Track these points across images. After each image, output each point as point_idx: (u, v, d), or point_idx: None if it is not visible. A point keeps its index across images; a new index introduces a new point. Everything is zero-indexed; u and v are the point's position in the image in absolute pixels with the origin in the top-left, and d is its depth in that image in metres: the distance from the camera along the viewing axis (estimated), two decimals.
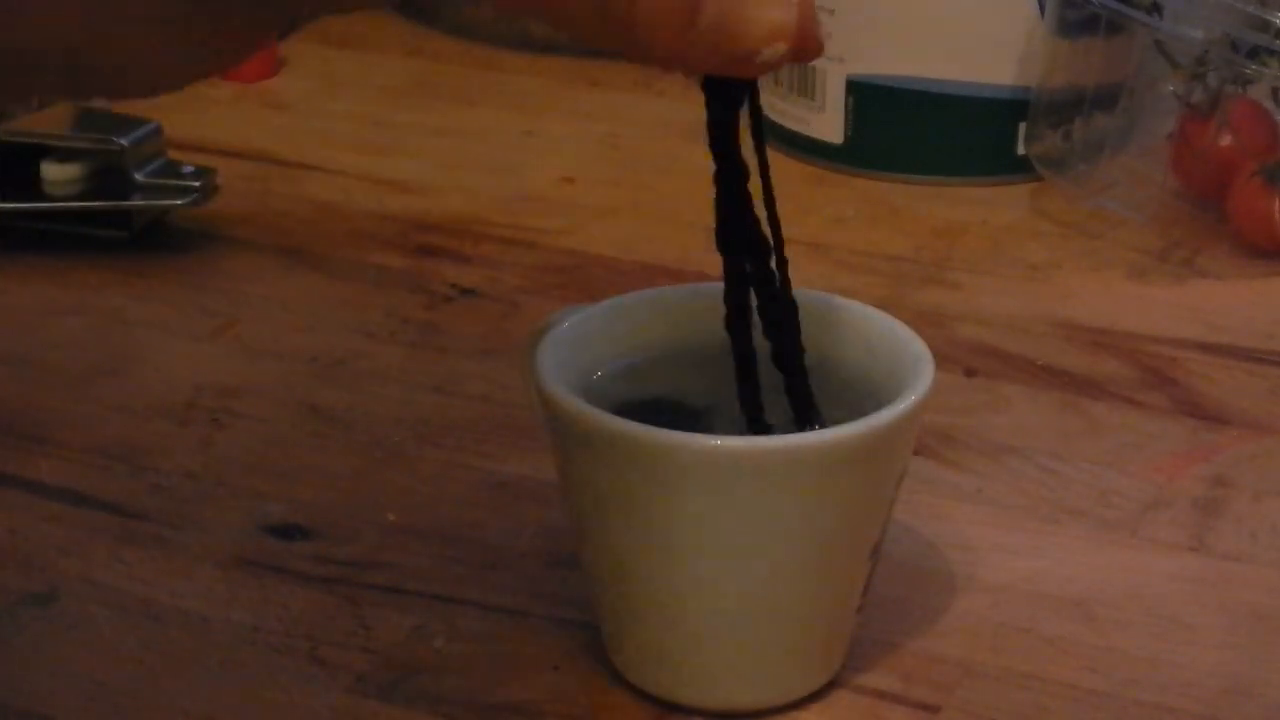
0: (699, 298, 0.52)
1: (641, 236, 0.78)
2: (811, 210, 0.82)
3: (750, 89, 0.46)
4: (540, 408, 0.50)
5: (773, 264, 0.49)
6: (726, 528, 0.47)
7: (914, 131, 0.85)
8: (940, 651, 0.53)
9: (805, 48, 0.40)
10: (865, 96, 0.85)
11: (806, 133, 0.86)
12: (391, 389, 0.67)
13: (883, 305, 0.53)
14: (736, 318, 0.49)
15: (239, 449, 0.63)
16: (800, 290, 0.53)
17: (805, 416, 0.49)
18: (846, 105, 0.85)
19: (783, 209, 0.85)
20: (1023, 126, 0.84)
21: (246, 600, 0.55)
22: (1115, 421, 0.65)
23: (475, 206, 0.82)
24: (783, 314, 0.49)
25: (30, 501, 0.60)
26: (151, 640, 0.53)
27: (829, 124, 0.86)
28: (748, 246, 0.48)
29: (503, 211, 0.82)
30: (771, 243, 0.48)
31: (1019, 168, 0.84)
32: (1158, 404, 0.66)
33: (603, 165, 0.86)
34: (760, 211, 0.48)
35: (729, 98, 0.46)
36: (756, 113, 0.47)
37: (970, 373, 0.68)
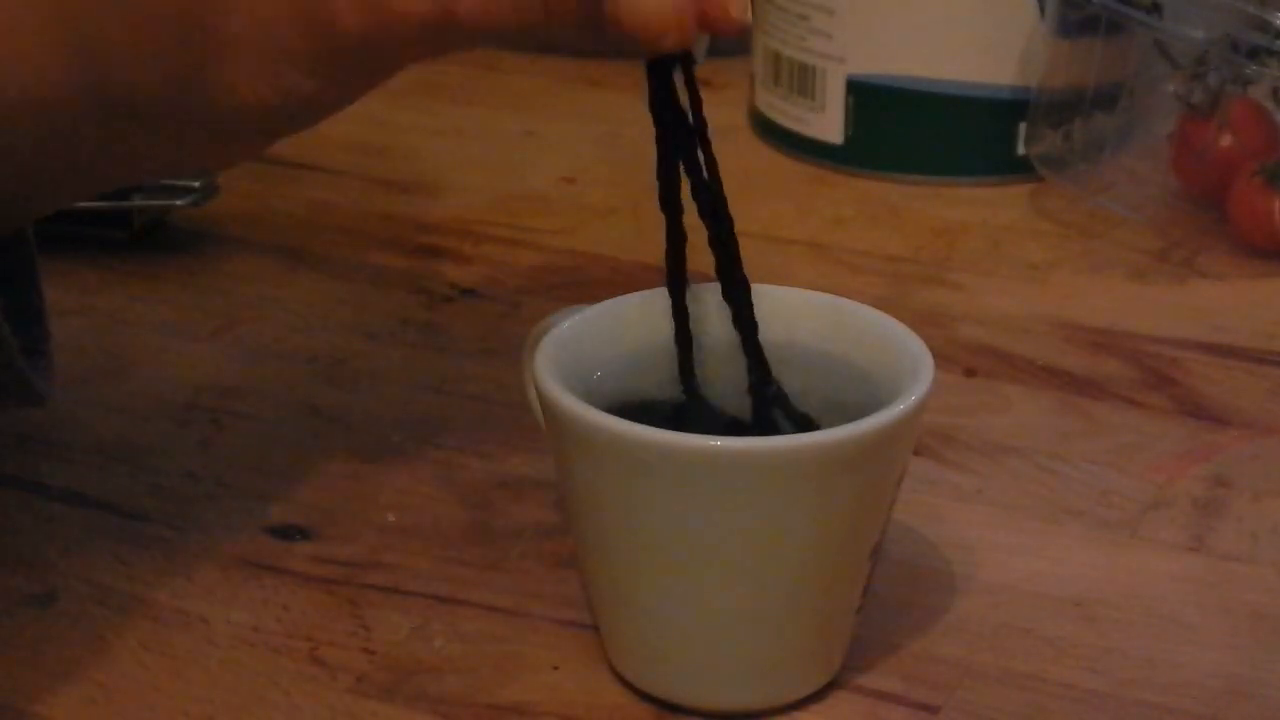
0: (699, 298, 0.52)
1: (641, 236, 0.78)
2: (811, 210, 0.82)
3: (685, 57, 0.49)
4: (540, 408, 0.50)
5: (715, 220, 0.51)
6: (726, 528, 0.47)
7: (914, 131, 0.85)
8: (940, 651, 0.53)
9: (712, 28, 0.45)
10: (865, 96, 0.85)
11: (806, 133, 0.86)
12: (391, 389, 0.67)
13: (883, 305, 0.53)
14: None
15: (239, 449, 0.63)
16: (800, 290, 0.54)
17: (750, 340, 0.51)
18: (846, 105, 0.85)
19: (783, 209, 0.85)
20: (1023, 126, 0.84)
21: (246, 600, 0.55)
22: (1115, 421, 0.65)
23: (475, 206, 0.82)
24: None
25: (30, 501, 0.60)
26: (151, 640, 0.53)
27: (829, 124, 0.86)
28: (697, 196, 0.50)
29: (503, 211, 0.82)
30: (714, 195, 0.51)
31: (1019, 168, 0.84)
32: (1158, 404, 0.66)
33: (603, 165, 0.86)
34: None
35: (664, 65, 0.49)
36: (690, 78, 0.49)
37: (970, 373, 0.68)
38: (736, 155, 0.86)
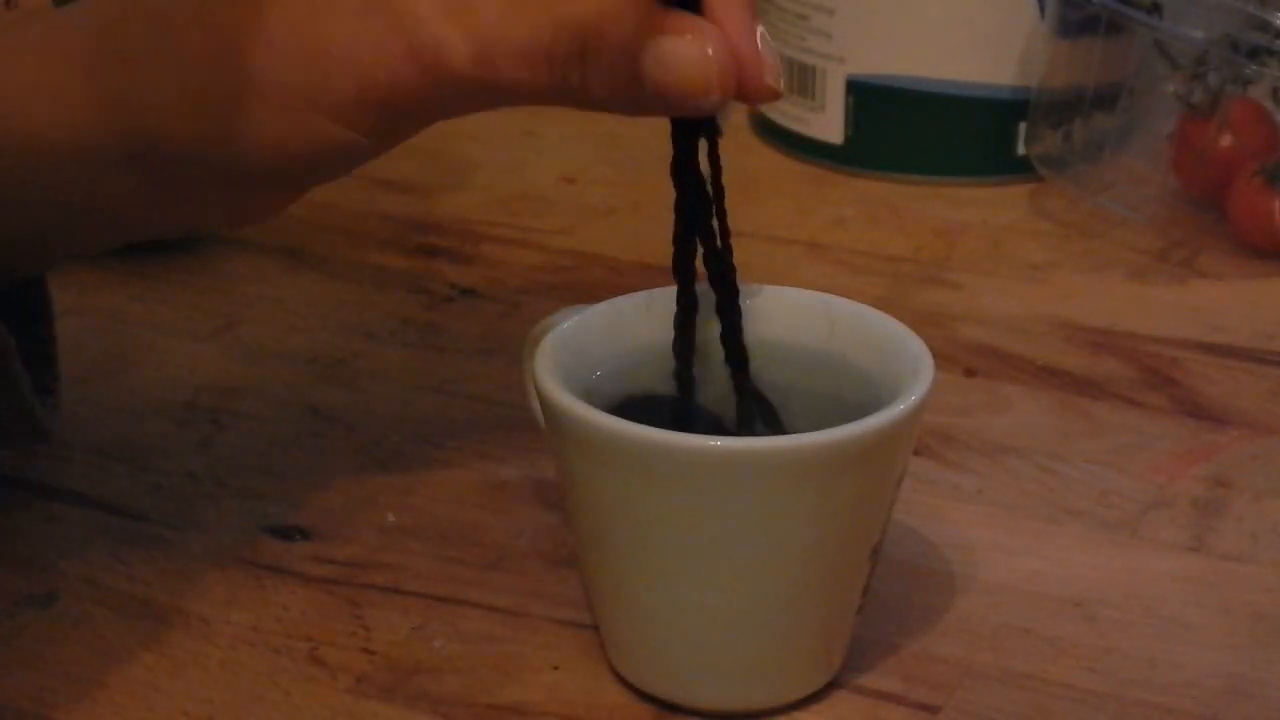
0: (699, 298, 0.52)
1: (641, 236, 0.78)
2: (811, 210, 0.82)
3: (710, 123, 0.49)
4: (540, 407, 0.50)
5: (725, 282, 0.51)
6: (725, 528, 0.47)
7: (914, 131, 0.85)
8: (940, 651, 0.53)
9: (747, 93, 0.46)
10: (865, 96, 0.85)
11: (806, 133, 0.86)
12: (391, 389, 0.67)
13: (883, 305, 0.53)
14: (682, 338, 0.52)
15: (239, 449, 0.63)
16: (800, 290, 0.54)
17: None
18: (846, 105, 0.85)
19: (783, 209, 0.85)
20: (1023, 126, 0.84)
21: (246, 600, 0.55)
22: (1115, 421, 0.65)
23: (475, 206, 0.82)
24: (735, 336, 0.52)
25: (30, 501, 0.60)
26: (151, 640, 0.53)
27: (829, 124, 0.86)
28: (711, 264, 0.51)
29: (503, 211, 0.82)
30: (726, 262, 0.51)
31: (1019, 168, 0.84)
32: (1158, 404, 0.66)
33: (603, 165, 0.86)
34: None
35: (690, 130, 0.49)
36: (713, 146, 0.50)
37: (970, 373, 0.68)
38: (736, 155, 0.85)
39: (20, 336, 0.57)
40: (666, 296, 0.52)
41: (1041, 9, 0.82)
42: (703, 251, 0.50)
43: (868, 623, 0.52)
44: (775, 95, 0.46)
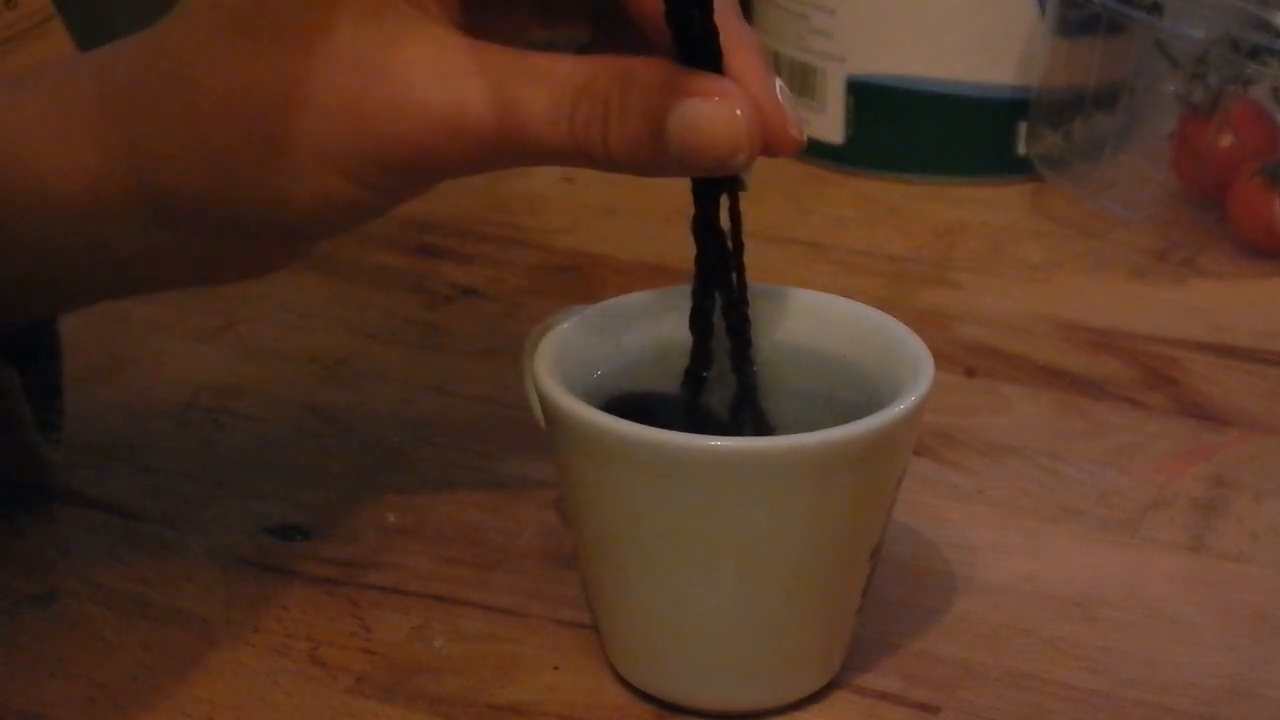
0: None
1: (641, 236, 0.78)
2: (811, 210, 0.82)
3: (731, 179, 0.49)
4: (540, 408, 0.50)
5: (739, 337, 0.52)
6: (725, 528, 0.47)
7: (914, 131, 0.85)
8: (940, 651, 0.53)
9: (773, 148, 0.46)
10: (865, 96, 0.85)
11: (806, 133, 0.86)
12: (391, 389, 0.67)
13: (883, 305, 0.53)
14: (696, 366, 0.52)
15: (239, 449, 0.63)
16: (800, 290, 0.54)
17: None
18: (846, 105, 0.85)
19: (783, 209, 0.85)
20: (1023, 126, 0.84)
21: (246, 600, 0.55)
22: (1115, 421, 0.65)
23: (475, 206, 0.82)
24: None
25: (30, 501, 0.60)
26: (151, 640, 0.53)
27: (829, 124, 0.86)
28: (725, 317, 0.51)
29: (503, 211, 0.82)
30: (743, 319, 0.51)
31: (1019, 168, 0.84)
32: (1158, 404, 0.66)
33: None
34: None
35: (712, 188, 0.49)
36: (734, 202, 0.50)
37: (970, 373, 0.68)
38: None
39: (26, 370, 0.57)
40: (667, 296, 0.52)
41: (1041, 9, 0.82)
42: (721, 304, 0.51)
43: (868, 623, 0.52)
44: (800, 146, 0.46)
